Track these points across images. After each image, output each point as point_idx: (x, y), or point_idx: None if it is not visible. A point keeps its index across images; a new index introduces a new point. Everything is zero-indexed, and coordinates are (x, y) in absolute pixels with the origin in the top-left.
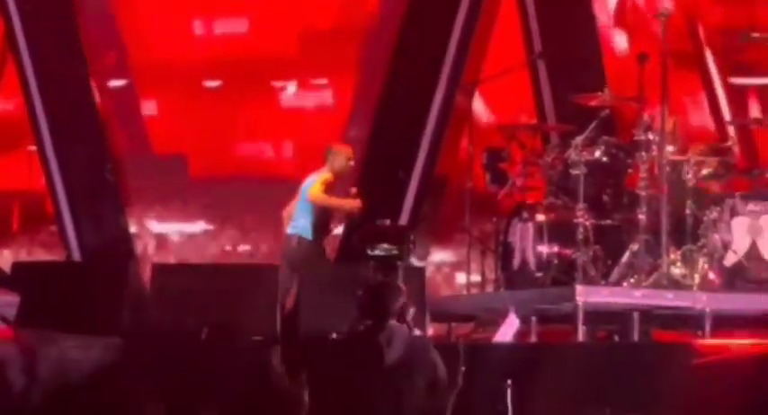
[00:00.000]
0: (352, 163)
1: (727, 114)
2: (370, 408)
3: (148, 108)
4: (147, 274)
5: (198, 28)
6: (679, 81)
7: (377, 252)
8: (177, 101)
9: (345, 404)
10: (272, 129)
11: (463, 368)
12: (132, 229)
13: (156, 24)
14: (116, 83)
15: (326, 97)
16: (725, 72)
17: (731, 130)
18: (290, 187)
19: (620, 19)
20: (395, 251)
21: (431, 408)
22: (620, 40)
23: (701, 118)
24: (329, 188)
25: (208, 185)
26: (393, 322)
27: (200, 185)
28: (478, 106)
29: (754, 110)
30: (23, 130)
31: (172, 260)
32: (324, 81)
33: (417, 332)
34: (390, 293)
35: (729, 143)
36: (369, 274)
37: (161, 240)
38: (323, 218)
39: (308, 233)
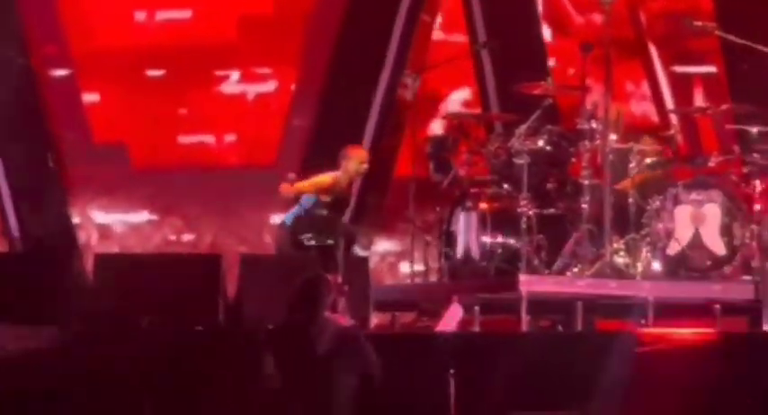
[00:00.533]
0: (365, 166)
1: (670, 102)
2: (304, 397)
3: (90, 97)
4: (89, 264)
5: (140, 16)
6: (622, 69)
7: (312, 242)
8: (119, 91)
9: (281, 393)
10: (214, 119)
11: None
12: (75, 219)
13: (98, 13)
14: (57, 72)
15: (269, 86)
16: (668, 60)
17: (674, 119)
18: (232, 176)
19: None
20: (329, 241)
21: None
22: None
23: (644, 106)
24: (327, 189)
25: (150, 175)
26: (325, 313)
27: (141, 175)
28: (422, 95)
29: (699, 99)
30: None
31: (115, 250)
32: (266, 70)
33: (350, 323)
34: (320, 286)
35: (672, 131)
36: (309, 264)
37: (104, 230)
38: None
39: (288, 219)
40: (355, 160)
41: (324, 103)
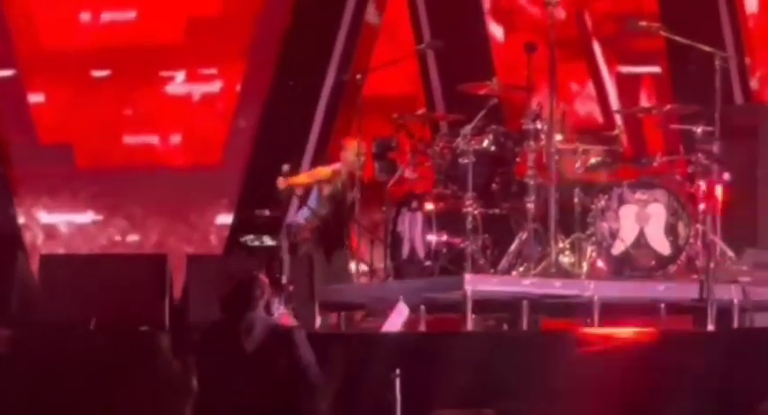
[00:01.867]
0: (362, 157)
1: (615, 102)
2: (235, 395)
3: (35, 98)
4: (35, 265)
5: (85, 17)
6: (567, 69)
7: (255, 243)
8: (64, 91)
9: (214, 391)
10: (159, 119)
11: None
12: (20, 219)
13: (44, 13)
14: (2, 72)
15: (215, 86)
16: (613, 60)
17: (618, 119)
18: (178, 177)
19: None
20: (270, 242)
21: (300, 396)
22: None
23: (589, 106)
24: (327, 180)
25: (95, 175)
26: (256, 312)
27: (86, 175)
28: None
29: (644, 99)
30: None
31: (61, 250)
32: (212, 70)
33: (294, 323)
34: (251, 285)
35: (617, 131)
36: (253, 264)
37: (50, 230)
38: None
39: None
40: (351, 150)
41: (269, 103)
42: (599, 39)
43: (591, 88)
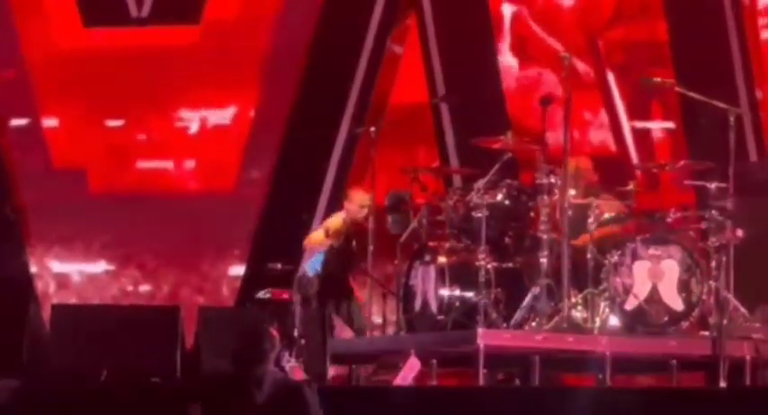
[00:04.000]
0: (365, 210)
1: (627, 130)
2: None
3: (49, 121)
4: (46, 314)
5: (102, 44)
6: (580, 98)
7: (267, 296)
8: (78, 115)
9: None
10: (173, 145)
11: None
12: (33, 268)
13: (59, 40)
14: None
15: (229, 113)
16: (626, 88)
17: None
18: (191, 206)
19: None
20: (285, 296)
21: None
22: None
23: (601, 134)
24: (337, 232)
25: (108, 201)
26: (267, 365)
27: (99, 202)
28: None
29: (659, 152)
30: None
31: (73, 299)
32: (226, 97)
33: (304, 376)
34: (262, 338)
35: (631, 186)
36: (265, 316)
37: (61, 280)
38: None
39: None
40: (356, 202)
41: (282, 157)
42: (612, 67)
43: (604, 116)
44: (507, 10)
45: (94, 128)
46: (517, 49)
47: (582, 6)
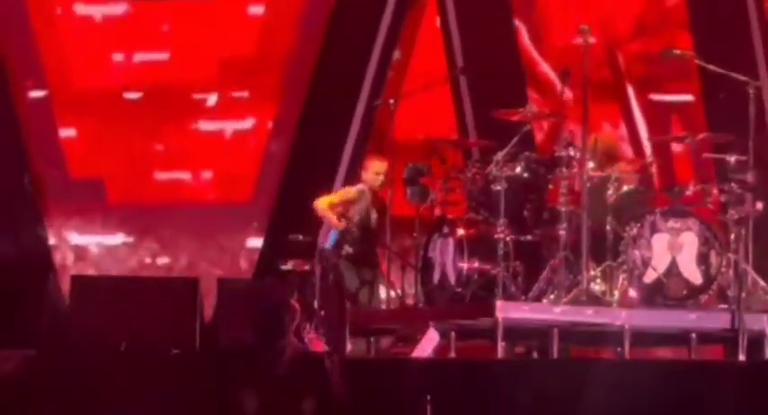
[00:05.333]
0: (381, 177)
1: (647, 143)
2: None
3: (66, 131)
4: (65, 286)
5: (118, 56)
6: (599, 111)
7: (289, 267)
8: (95, 126)
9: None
10: (191, 155)
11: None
12: (51, 240)
13: (77, 50)
14: (36, 107)
15: (247, 123)
16: (645, 101)
17: (649, 148)
18: (209, 213)
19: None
20: (306, 267)
21: None
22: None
23: (621, 147)
24: (346, 202)
25: (126, 211)
26: (287, 337)
27: (118, 211)
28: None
29: (676, 130)
30: None
31: (91, 272)
32: (244, 106)
33: (325, 348)
34: (281, 311)
35: (649, 160)
36: (284, 289)
37: (80, 252)
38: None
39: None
40: (371, 170)
41: (301, 129)
42: (631, 80)
43: (623, 129)
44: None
45: (112, 139)
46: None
47: (601, 19)
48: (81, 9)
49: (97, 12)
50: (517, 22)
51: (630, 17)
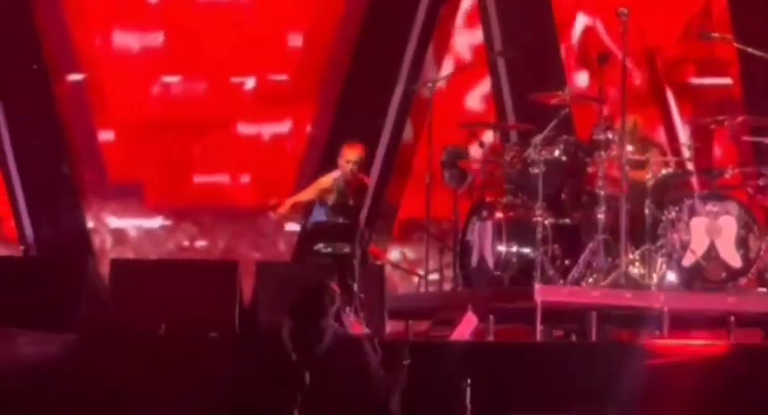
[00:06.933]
0: (351, 165)
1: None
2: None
3: (105, 135)
4: (104, 269)
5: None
6: (638, 115)
7: (329, 250)
8: (134, 129)
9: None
10: (229, 159)
11: (406, 362)
12: (89, 224)
13: (117, 81)
14: (75, 109)
15: (284, 127)
16: (686, 106)
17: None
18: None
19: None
20: (346, 249)
21: (367, 403)
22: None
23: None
24: (322, 191)
25: (165, 215)
26: (326, 320)
27: (157, 215)
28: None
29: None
30: None
31: (129, 255)
32: (282, 111)
33: (364, 330)
34: (321, 293)
35: (688, 143)
36: (324, 271)
37: (118, 235)
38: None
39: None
40: (343, 158)
41: (340, 110)
42: (671, 84)
43: (662, 134)
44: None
45: (151, 142)
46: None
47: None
48: (120, 38)
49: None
50: (591, 19)
51: (678, 20)
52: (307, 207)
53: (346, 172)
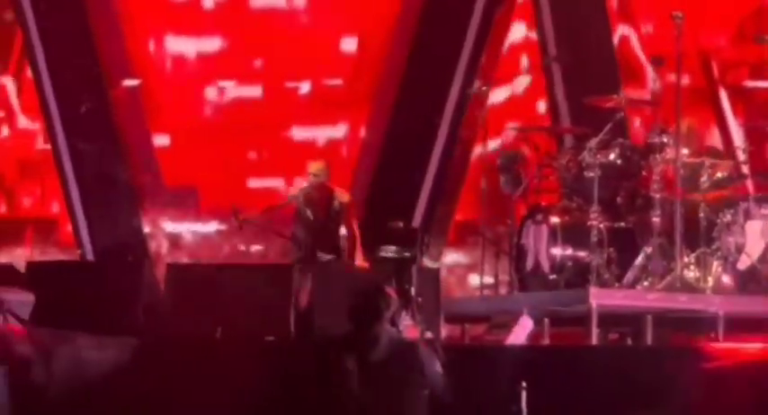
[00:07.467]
0: (312, 177)
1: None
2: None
3: (160, 139)
4: (160, 273)
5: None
6: (693, 117)
7: (389, 254)
8: (189, 133)
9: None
10: (284, 163)
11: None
12: (146, 228)
13: (172, 86)
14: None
15: (339, 131)
16: (740, 109)
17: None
18: None
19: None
20: (407, 253)
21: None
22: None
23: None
24: (286, 206)
25: (220, 219)
26: (382, 325)
27: (211, 219)
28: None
29: None
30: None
31: (185, 259)
32: (337, 115)
33: (423, 335)
34: (378, 298)
35: (742, 146)
36: (382, 276)
37: (174, 239)
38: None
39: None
40: (308, 172)
41: (395, 116)
42: (725, 87)
43: (717, 137)
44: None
45: (206, 147)
46: None
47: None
48: (173, 44)
49: (191, 46)
50: (626, 29)
51: (731, 23)
52: (281, 214)
53: (310, 182)
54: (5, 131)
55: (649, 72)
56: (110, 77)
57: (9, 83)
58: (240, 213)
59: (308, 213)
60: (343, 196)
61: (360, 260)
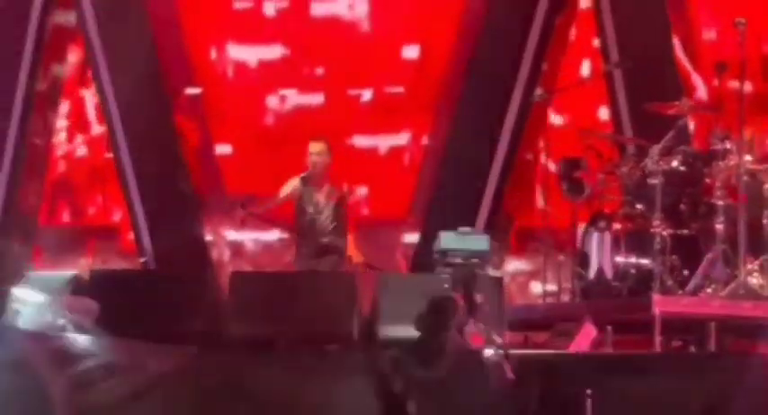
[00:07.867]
0: (314, 158)
1: None
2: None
3: (222, 148)
4: (223, 282)
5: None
6: (756, 125)
7: (457, 260)
8: (250, 142)
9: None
10: (346, 172)
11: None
12: (208, 237)
13: (234, 94)
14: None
15: (402, 139)
16: None
17: None
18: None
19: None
20: (475, 260)
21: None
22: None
23: None
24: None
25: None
26: (450, 333)
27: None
28: (555, 116)
29: None
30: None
31: (247, 268)
32: (399, 123)
33: (484, 342)
34: (444, 305)
35: None
36: (447, 282)
37: (236, 248)
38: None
39: None
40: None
41: (457, 121)
42: None
43: None
44: None
45: (268, 155)
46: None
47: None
48: (235, 52)
49: (253, 54)
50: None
51: None
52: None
53: (313, 163)
54: (80, 139)
55: (695, 79)
56: (172, 86)
57: (87, 94)
58: (247, 205)
59: (310, 202)
60: (341, 185)
61: (352, 251)
